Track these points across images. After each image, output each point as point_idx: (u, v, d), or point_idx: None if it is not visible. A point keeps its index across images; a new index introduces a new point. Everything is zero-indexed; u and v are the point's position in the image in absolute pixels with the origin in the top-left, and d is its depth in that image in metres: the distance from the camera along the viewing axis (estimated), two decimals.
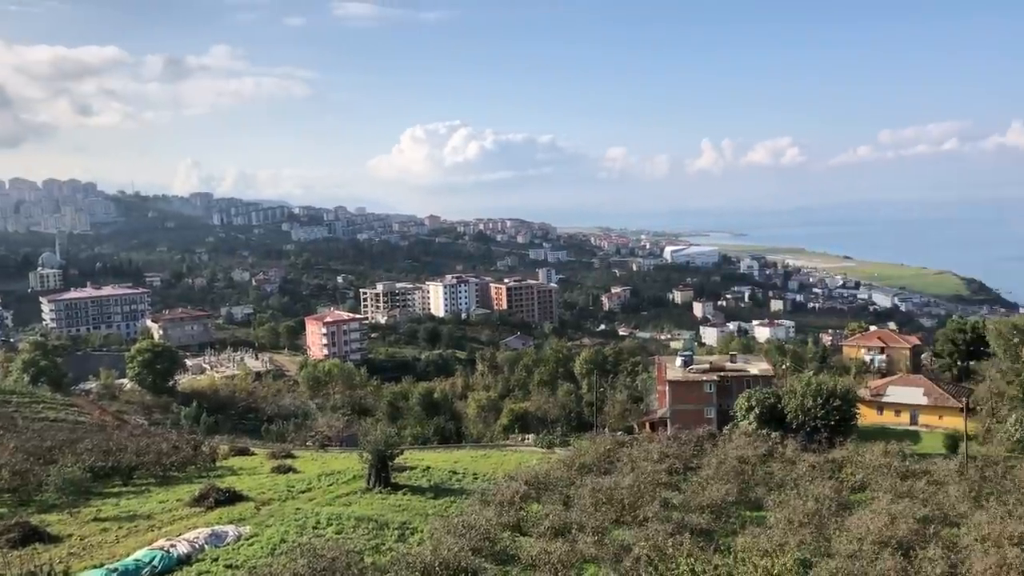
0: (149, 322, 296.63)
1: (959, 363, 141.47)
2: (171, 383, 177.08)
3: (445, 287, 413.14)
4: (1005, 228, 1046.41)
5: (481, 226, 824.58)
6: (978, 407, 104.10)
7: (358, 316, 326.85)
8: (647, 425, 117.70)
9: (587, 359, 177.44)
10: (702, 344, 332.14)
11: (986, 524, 62.90)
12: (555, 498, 71.06)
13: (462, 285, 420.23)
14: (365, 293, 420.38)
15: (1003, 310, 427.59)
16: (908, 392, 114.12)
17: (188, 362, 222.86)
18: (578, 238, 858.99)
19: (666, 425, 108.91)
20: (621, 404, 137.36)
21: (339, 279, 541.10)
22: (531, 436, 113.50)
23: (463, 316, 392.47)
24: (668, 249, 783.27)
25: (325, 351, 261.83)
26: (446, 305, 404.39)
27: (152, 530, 62.16)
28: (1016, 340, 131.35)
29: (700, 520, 65.32)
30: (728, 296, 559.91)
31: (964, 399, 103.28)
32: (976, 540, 60.56)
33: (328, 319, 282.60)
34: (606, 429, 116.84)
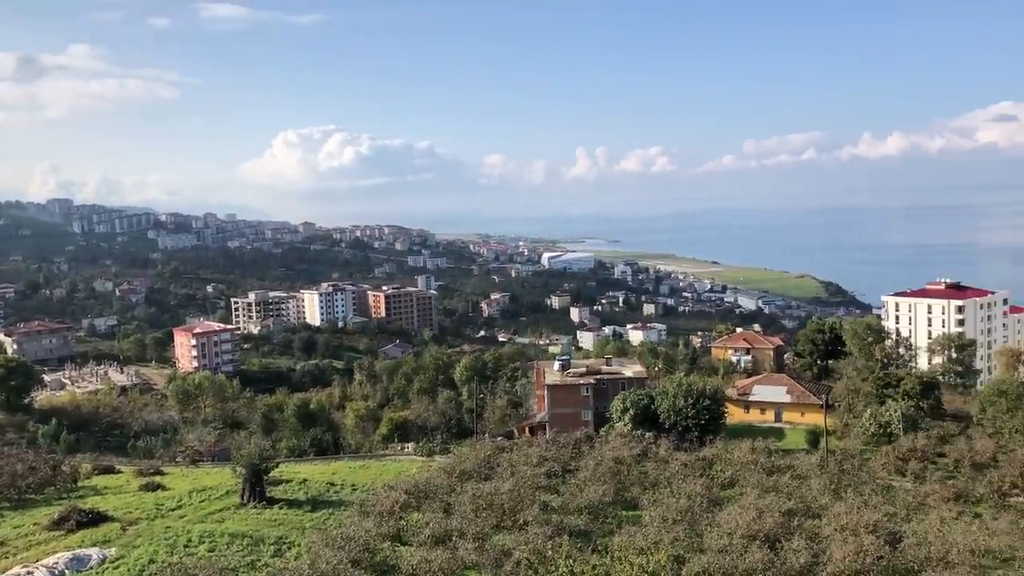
0: (1, 336, 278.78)
1: (819, 362, 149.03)
2: (27, 400, 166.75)
3: (321, 295, 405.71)
4: (859, 233, 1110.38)
5: (358, 233, 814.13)
6: (836, 403, 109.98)
7: (229, 327, 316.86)
8: (527, 429, 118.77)
9: (467, 366, 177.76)
10: (579, 348, 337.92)
11: (844, 514, 66.49)
12: (435, 506, 70.82)
13: (338, 293, 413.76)
14: (237, 303, 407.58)
15: (858, 311, 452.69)
16: (772, 391, 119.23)
17: (46, 377, 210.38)
18: (457, 245, 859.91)
19: (545, 429, 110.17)
20: (501, 409, 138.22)
21: (209, 288, 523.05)
22: (411, 445, 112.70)
23: (340, 325, 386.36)
24: (546, 256, 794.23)
25: (195, 363, 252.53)
26: (322, 314, 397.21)
27: (6, 557, 58.45)
28: (870, 339, 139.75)
29: (578, 521, 66.40)
30: (604, 301, 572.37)
31: (824, 396, 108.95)
32: (836, 530, 63.92)
33: (198, 330, 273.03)
34: (486, 435, 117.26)
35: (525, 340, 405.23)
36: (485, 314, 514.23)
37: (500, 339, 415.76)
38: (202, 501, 74.09)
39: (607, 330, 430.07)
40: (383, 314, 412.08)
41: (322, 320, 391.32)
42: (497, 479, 78.26)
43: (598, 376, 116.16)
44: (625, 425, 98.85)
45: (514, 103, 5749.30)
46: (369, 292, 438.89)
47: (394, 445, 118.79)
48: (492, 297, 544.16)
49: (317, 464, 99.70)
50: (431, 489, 75.45)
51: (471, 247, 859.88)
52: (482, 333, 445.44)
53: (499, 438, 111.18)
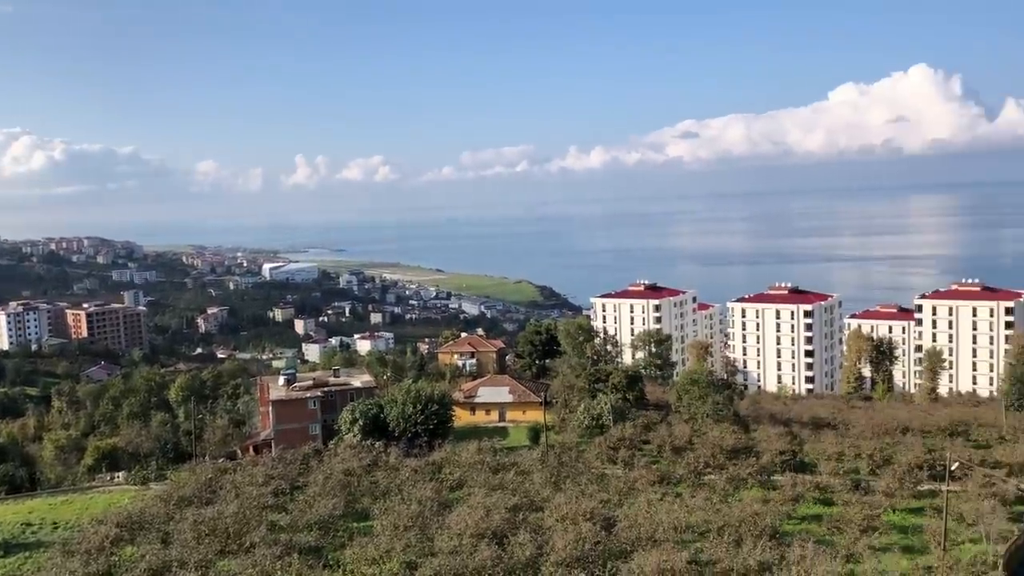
0: None
1: (537, 361, 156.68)
2: None
3: (9, 316, 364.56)
4: (569, 240, 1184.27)
5: (53, 246, 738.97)
6: (554, 400, 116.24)
7: None
8: (251, 448, 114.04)
9: (183, 385, 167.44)
10: (305, 361, 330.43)
11: (564, 505, 70.57)
12: (152, 537, 66.09)
13: (30, 313, 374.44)
14: None
15: (571, 312, 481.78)
16: (496, 392, 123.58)
17: None
18: (169, 257, 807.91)
19: (271, 446, 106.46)
20: (223, 429, 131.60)
21: None
22: (122, 474, 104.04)
23: (33, 348, 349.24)
24: (267, 266, 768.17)
25: None
26: (11, 336, 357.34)
27: None
28: (581, 338, 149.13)
29: (308, 538, 64.94)
30: (329, 312, 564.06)
31: (543, 394, 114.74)
32: (557, 520, 67.65)
33: None
34: (207, 457, 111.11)
35: (247, 355, 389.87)
36: (202, 330, 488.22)
37: (219, 356, 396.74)
38: None
39: (334, 341, 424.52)
40: (85, 334, 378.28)
41: (11, 343, 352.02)
42: (220, 502, 74.54)
43: (325, 388, 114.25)
44: (355, 436, 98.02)
45: (226, 106, 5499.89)
46: (68, 311, 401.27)
47: (102, 476, 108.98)
48: (209, 312, 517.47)
49: (9, 504, 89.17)
50: (146, 519, 70.32)
51: (184, 259, 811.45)
52: (199, 350, 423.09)
53: (221, 460, 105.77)
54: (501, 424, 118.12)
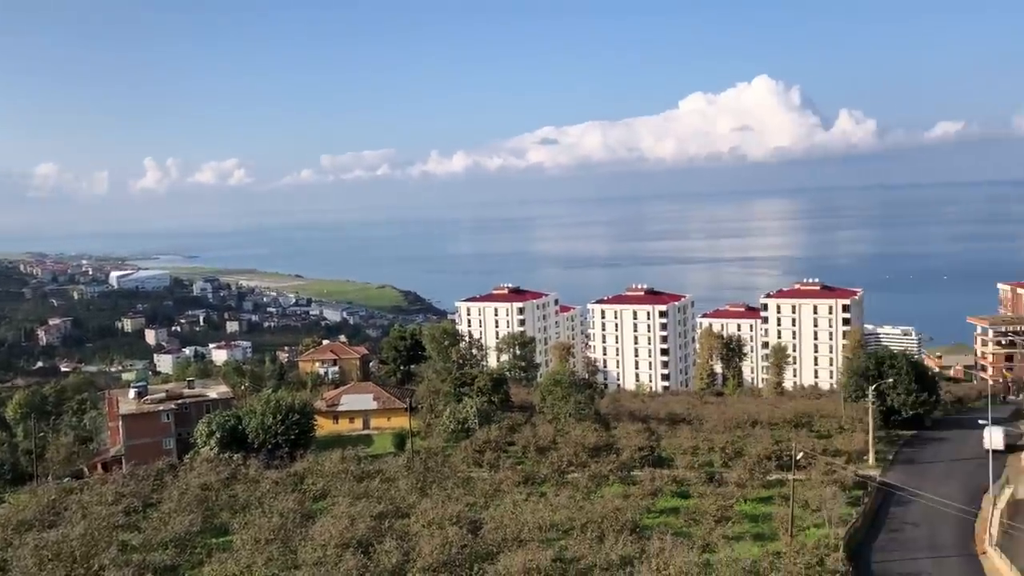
0: None
1: (402, 367, 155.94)
2: None
3: None
4: (432, 244, 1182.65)
5: None
6: (420, 405, 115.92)
7: None
8: (100, 466, 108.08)
9: (21, 402, 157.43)
10: (157, 373, 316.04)
11: (431, 510, 70.46)
12: None
13: None
14: None
15: (435, 317, 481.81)
16: (360, 399, 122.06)
17: None
18: (4, 265, 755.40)
19: (122, 463, 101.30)
20: (67, 447, 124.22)
21: None
22: None
23: None
24: (114, 274, 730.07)
25: None
26: None
27: None
28: (446, 343, 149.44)
29: (164, 557, 62.24)
30: (183, 321, 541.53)
31: (408, 399, 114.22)
32: (424, 526, 67.43)
33: None
34: (49, 477, 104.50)
35: (94, 368, 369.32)
36: (43, 342, 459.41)
37: (63, 369, 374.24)
38: None
39: (188, 351, 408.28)
40: None
41: None
42: (65, 525, 70.31)
43: (179, 401, 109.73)
44: (212, 449, 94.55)
45: (67, 104, 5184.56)
46: None
47: None
48: (51, 323, 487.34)
49: None
50: None
51: (22, 267, 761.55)
52: (40, 364, 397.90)
53: (67, 479, 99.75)
54: (366, 432, 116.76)
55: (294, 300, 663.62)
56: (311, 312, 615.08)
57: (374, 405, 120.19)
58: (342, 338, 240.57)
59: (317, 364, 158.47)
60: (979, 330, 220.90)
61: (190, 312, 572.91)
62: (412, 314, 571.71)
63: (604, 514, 68.65)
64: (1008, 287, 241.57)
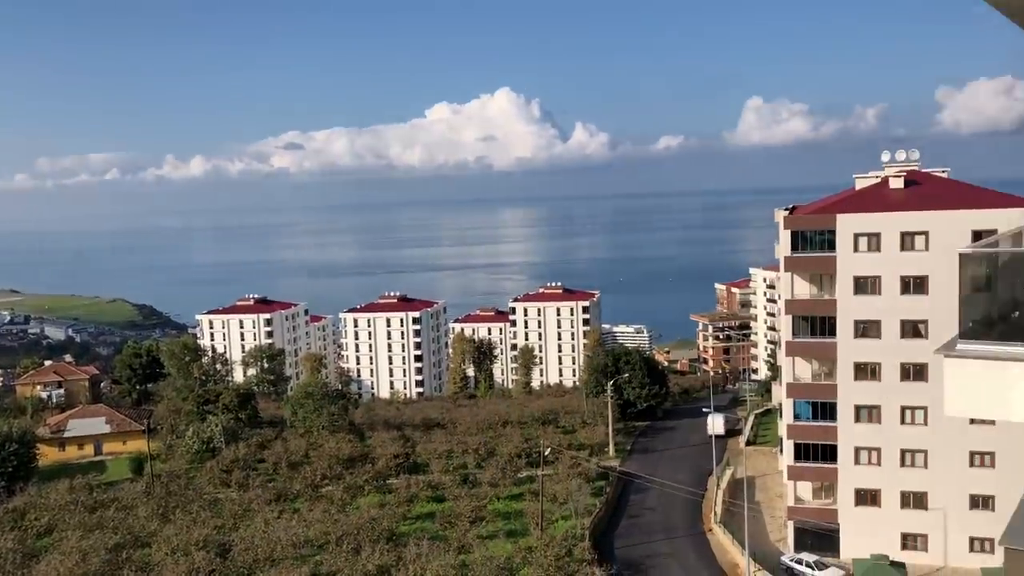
0: None
1: (139, 387, 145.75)
2: None
3: None
4: (169, 254, 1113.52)
5: None
6: (159, 426, 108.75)
7: None
8: None
9: None
10: None
11: (175, 536, 66.29)
12: None
13: None
14: None
15: (175, 332, 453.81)
16: (90, 423, 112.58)
17: None
18: None
19: None
20: None
21: None
22: None
23: None
24: None
25: None
26: None
27: None
28: (187, 358, 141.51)
29: None
30: None
31: (146, 421, 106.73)
32: (167, 553, 63.28)
33: None
34: None
35: None
36: None
37: None
38: None
39: None
40: None
41: None
42: None
43: None
44: None
45: None
46: None
47: None
48: None
49: None
50: None
51: None
52: None
53: None
54: (98, 458, 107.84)
55: (9, 318, 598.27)
56: (30, 331, 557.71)
57: (107, 429, 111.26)
58: (68, 358, 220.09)
59: (39, 387, 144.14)
60: (700, 326, 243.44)
61: None
62: (148, 329, 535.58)
63: (360, 525, 68.02)
64: (724, 287, 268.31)
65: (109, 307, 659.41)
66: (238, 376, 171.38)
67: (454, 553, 62.99)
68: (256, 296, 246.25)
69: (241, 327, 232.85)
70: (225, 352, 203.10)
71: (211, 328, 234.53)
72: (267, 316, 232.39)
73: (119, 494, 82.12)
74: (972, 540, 65.44)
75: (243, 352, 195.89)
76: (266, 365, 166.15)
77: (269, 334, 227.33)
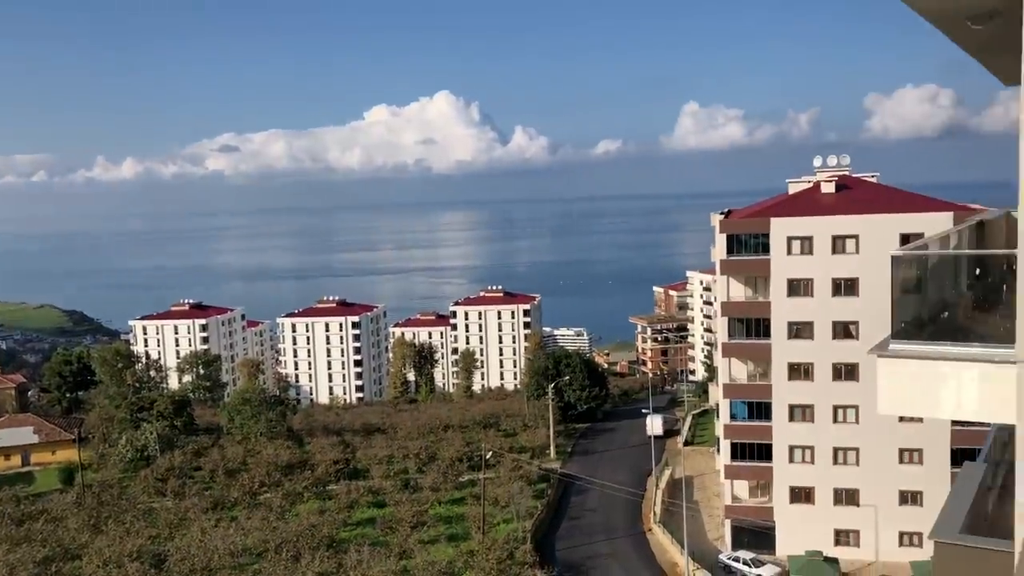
0: None
1: (69, 395, 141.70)
2: None
3: None
4: (99, 258, 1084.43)
5: None
6: (91, 435, 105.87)
7: None
8: None
9: None
10: None
11: (107, 547, 64.57)
12: None
13: None
14: None
15: (106, 338, 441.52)
16: (17, 432, 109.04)
17: None
18: None
19: None
20: None
21: None
22: None
23: None
24: None
25: None
26: None
27: None
28: (120, 365, 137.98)
29: None
30: None
31: (77, 430, 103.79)
32: (99, 566, 61.62)
33: None
34: None
35: None
36: None
37: None
38: None
39: None
40: None
41: None
42: None
43: None
44: None
45: None
46: None
47: None
48: None
49: None
50: None
51: None
52: None
53: None
54: (26, 469, 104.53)
55: None
56: None
57: (35, 438, 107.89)
58: None
59: None
60: (639, 328, 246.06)
61: None
62: (79, 336, 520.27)
63: (299, 532, 67.18)
64: (661, 289, 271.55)
65: (36, 313, 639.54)
66: (173, 383, 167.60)
67: (395, 559, 62.60)
68: (191, 301, 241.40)
69: (176, 333, 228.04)
70: (160, 359, 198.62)
71: (145, 334, 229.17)
72: (202, 322, 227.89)
73: (48, 505, 79.73)
74: (902, 535, 67.44)
75: (178, 358, 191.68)
76: (202, 371, 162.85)
77: (205, 340, 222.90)
